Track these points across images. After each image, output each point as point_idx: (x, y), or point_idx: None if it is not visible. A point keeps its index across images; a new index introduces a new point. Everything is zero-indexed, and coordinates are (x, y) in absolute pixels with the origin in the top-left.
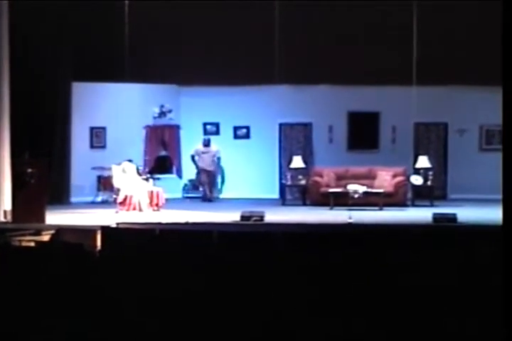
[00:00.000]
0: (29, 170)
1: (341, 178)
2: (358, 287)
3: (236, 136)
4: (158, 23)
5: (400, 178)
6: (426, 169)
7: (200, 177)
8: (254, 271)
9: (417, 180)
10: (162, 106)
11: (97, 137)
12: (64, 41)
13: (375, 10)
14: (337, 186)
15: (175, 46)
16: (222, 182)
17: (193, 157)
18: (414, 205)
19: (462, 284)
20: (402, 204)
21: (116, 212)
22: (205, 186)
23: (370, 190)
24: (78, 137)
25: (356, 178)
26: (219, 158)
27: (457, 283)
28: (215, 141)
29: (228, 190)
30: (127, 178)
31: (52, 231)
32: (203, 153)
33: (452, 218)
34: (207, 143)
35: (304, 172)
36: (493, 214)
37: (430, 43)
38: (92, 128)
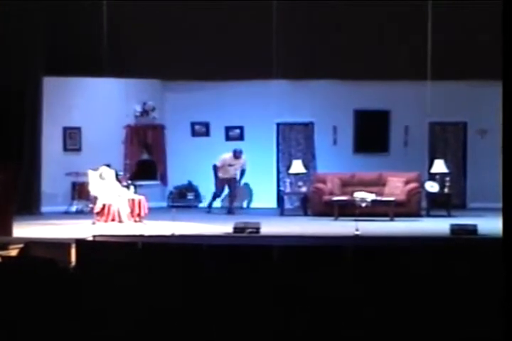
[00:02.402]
0: None
1: (347, 185)
2: (365, 308)
3: (228, 138)
4: (141, 11)
5: (413, 185)
6: (442, 174)
7: (219, 188)
8: (248, 290)
9: (432, 186)
10: (144, 103)
11: (71, 139)
12: (35, 31)
13: None
14: (342, 194)
15: (159, 37)
16: (250, 194)
17: (215, 167)
18: (429, 215)
19: (484, 306)
20: (415, 214)
21: (93, 223)
22: (227, 197)
23: (379, 198)
24: (50, 139)
25: (364, 185)
26: (244, 170)
27: (478, 303)
28: (205, 142)
29: (220, 199)
30: (105, 185)
31: (21, 245)
32: (230, 165)
33: (472, 230)
34: (238, 155)
35: (305, 178)
36: None
37: (447, 32)
38: (65, 129)
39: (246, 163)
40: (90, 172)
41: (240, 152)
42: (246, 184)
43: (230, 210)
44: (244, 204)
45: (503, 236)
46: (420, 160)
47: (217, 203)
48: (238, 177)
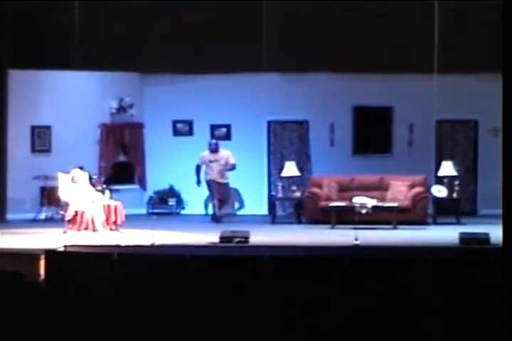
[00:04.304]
0: None
1: (345, 189)
2: (366, 324)
3: (214, 137)
4: None
5: (418, 189)
6: (451, 178)
7: (212, 192)
8: (236, 305)
9: (439, 191)
10: (121, 99)
11: (40, 139)
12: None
13: None
14: (340, 199)
15: (137, 25)
16: (241, 199)
17: (198, 167)
18: (436, 223)
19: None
20: (421, 221)
21: (64, 232)
22: (215, 202)
23: (381, 204)
24: (16, 139)
25: (364, 189)
26: (234, 165)
27: (490, 320)
28: (188, 142)
29: (204, 204)
30: (78, 190)
31: None
32: (211, 161)
33: (484, 239)
34: (214, 148)
35: (299, 182)
36: None
37: (455, 20)
38: (33, 128)
39: (231, 157)
40: (61, 175)
41: (216, 144)
42: (235, 189)
43: (216, 217)
44: (234, 211)
45: (502, 240)
46: (426, 162)
47: (201, 210)
48: (226, 176)
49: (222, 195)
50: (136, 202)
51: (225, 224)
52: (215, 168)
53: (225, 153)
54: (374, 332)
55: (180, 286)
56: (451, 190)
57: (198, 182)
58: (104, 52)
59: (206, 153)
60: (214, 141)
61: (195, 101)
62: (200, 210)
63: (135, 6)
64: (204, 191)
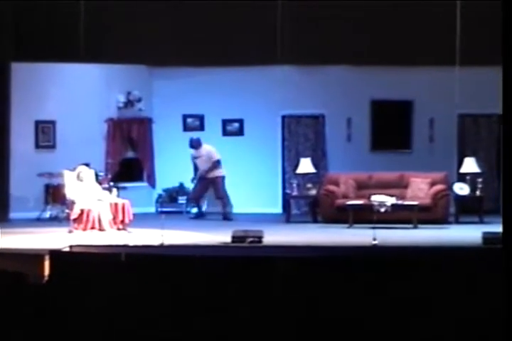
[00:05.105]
0: None
1: (363, 187)
2: (385, 327)
3: (226, 133)
4: None
5: (439, 187)
6: (474, 175)
7: (193, 188)
8: (248, 308)
9: (461, 189)
10: (129, 93)
11: (44, 134)
12: (1, 11)
13: None
14: (357, 197)
15: (146, 15)
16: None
17: (194, 163)
18: (458, 222)
19: None
20: (442, 220)
21: (70, 231)
22: (200, 200)
23: (400, 202)
24: (19, 134)
25: (383, 187)
26: (216, 162)
27: None
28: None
29: (216, 203)
30: (84, 188)
31: None
32: (195, 158)
33: None
34: (194, 145)
35: (315, 179)
36: None
37: (478, 9)
38: (37, 123)
39: (214, 152)
40: (66, 172)
41: (196, 141)
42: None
43: (224, 215)
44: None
45: (502, 240)
46: (448, 158)
47: (213, 208)
48: (214, 172)
49: (214, 192)
50: (144, 201)
51: (234, 222)
52: (199, 164)
53: (206, 148)
54: (392, 335)
55: (190, 289)
56: (473, 187)
57: (193, 179)
58: (111, 44)
59: (192, 150)
60: (195, 138)
61: (206, 95)
62: (212, 209)
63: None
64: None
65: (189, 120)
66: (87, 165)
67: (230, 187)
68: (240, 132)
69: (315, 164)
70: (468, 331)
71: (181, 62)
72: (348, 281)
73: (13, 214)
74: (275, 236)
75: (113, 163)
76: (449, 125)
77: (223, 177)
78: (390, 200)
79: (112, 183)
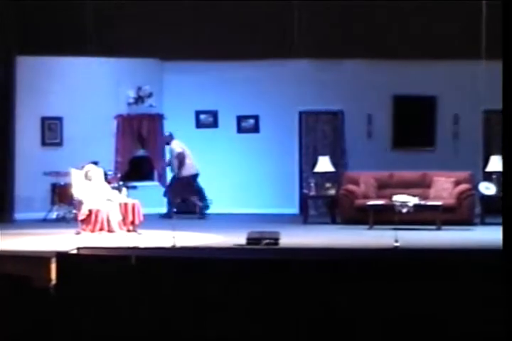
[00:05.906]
0: None
1: (384, 186)
2: (408, 329)
3: (240, 129)
4: None
5: (464, 186)
6: (500, 174)
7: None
8: (264, 313)
9: (487, 188)
10: (139, 88)
11: (51, 131)
12: (5, 2)
13: None
14: (378, 197)
15: (157, 6)
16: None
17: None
18: (483, 223)
19: None
20: (467, 221)
21: (78, 232)
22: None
23: (423, 202)
24: (25, 131)
25: (405, 186)
26: (178, 155)
27: None
28: (212, 134)
29: (230, 203)
30: (92, 187)
31: None
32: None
33: None
34: (168, 141)
35: (334, 178)
36: None
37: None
38: (43, 119)
39: (178, 146)
40: (73, 171)
41: (169, 136)
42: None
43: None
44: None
45: (502, 240)
46: (473, 156)
47: (227, 209)
48: (183, 168)
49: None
50: (155, 201)
51: (249, 223)
52: (173, 160)
53: (172, 145)
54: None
55: (203, 292)
56: (500, 187)
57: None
58: (121, 36)
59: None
60: (168, 133)
61: (220, 90)
62: (226, 209)
63: None
64: (228, 189)
65: (202, 116)
66: (95, 163)
67: (245, 187)
68: (255, 129)
69: (334, 162)
70: (494, 330)
71: (194, 56)
72: (368, 285)
73: (18, 215)
74: (292, 238)
75: (122, 162)
76: (474, 121)
77: (194, 176)
78: (413, 200)
79: (121, 182)
